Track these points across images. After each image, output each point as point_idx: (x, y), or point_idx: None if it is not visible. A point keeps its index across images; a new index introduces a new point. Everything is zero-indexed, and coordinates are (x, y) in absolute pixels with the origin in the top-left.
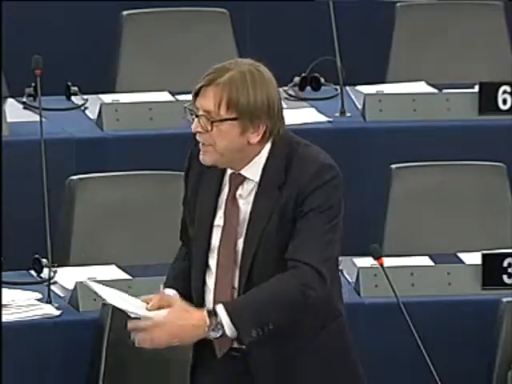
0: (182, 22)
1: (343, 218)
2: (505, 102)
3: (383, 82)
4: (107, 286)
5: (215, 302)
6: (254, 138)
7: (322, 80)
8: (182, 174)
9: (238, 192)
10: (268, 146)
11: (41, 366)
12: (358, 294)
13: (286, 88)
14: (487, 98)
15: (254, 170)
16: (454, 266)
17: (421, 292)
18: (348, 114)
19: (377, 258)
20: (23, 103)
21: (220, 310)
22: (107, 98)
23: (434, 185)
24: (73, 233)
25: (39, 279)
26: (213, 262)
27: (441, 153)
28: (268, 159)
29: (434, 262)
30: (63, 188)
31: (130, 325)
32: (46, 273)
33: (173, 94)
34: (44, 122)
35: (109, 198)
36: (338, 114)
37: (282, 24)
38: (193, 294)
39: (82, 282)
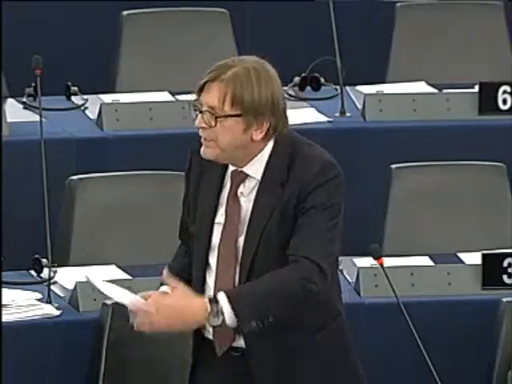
0: (182, 22)
1: (343, 218)
2: (505, 102)
3: (383, 82)
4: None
5: None
6: (258, 135)
7: (322, 80)
8: (182, 173)
9: (240, 190)
10: (271, 144)
11: (41, 366)
12: (358, 294)
13: (285, 88)
14: (487, 98)
15: (256, 168)
16: (453, 266)
17: (421, 292)
18: (348, 114)
19: (377, 257)
20: (23, 103)
21: (221, 297)
22: (107, 97)
23: (434, 185)
24: (73, 233)
25: (39, 279)
26: (213, 259)
27: (441, 153)
28: (271, 157)
29: (434, 262)
30: (63, 188)
31: (131, 306)
32: (46, 273)
33: (173, 94)
34: (44, 122)
35: (109, 198)
36: (337, 114)
37: (282, 24)
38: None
39: (82, 282)
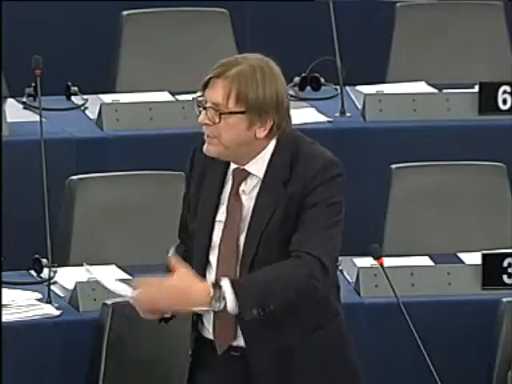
0: (182, 22)
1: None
2: (505, 102)
3: (383, 82)
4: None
5: None
6: (261, 133)
7: (322, 80)
8: (182, 173)
9: (241, 188)
10: (274, 142)
11: (41, 366)
12: (358, 294)
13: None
14: (487, 98)
15: (258, 166)
16: (453, 266)
17: (421, 292)
18: (348, 114)
19: (377, 257)
20: (23, 103)
21: (225, 283)
22: (107, 97)
23: (434, 185)
24: (73, 233)
25: (39, 279)
26: (213, 257)
27: (441, 153)
28: (273, 155)
29: (434, 262)
30: (63, 188)
31: (134, 283)
32: (46, 273)
33: (173, 94)
34: (44, 122)
35: (109, 198)
36: (338, 114)
37: (282, 24)
38: None
39: (82, 282)
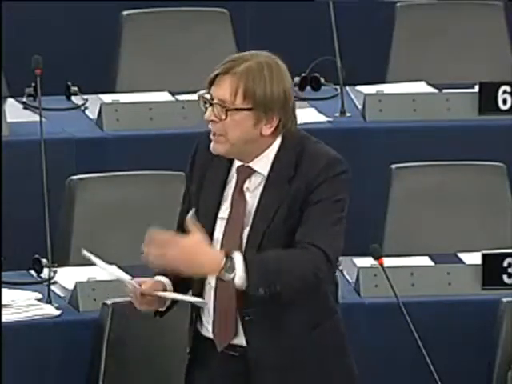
0: (182, 22)
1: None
2: (505, 102)
3: (383, 82)
4: (106, 281)
5: (216, 298)
6: (267, 130)
7: (322, 80)
8: (182, 173)
9: (246, 185)
10: (279, 140)
11: (41, 366)
12: (358, 294)
13: None
14: (487, 98)
15: (263, 163)
16: (453, 266)
17: (421, 292)
18: (348, 114)
19: (377, 257)
20: (23, 103)
21: (237, 256)
22: (107, 97)
23: (434, 185)
24: (73, 233)
25: (39, 279)
26: None
27: (441, 153)
28: (278, 153)
29: (434, 262)
30: (63, 188)
31: (148, 237)
32: (46, 273)
33: (173, 94)
34: (44, 122)
35: (109, 198)
36: (338, 114)
37: (282, 24)
38: (192, 289)
39: (82, 282)
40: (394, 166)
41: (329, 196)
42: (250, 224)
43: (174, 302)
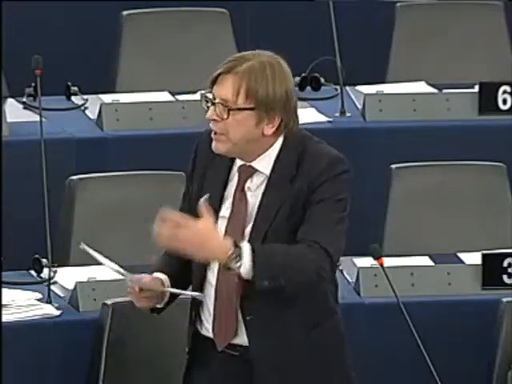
0: (182, 22)
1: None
2: (505, 102)
3: (383, 82)
4: (106, 281)
5: (217, 297)
6: (269, 130)
7: (322, 80)
8: (182, 173)
9: (247, 184)
10: (281, 140)
11: (41, 366)
12: (358, 294)
13: None
14: (487, 98)
15: (265, 163)
16: (453, 266)
17: (421, 292)
18: (348, 114)
19: (377, 257)
20: (23, 103)
21: (245, 246)
22: (107, 97)
23: (434, 185)
24: (73, 233)
25: (39, 279)
26: None
27: (441, 153)
28: (280, 153)
29: (434, 262)
30: (63, 188)
31: (161, 217)
32: (46, 273)
33: (173, 94)
34: (44, 122)
35: (109, 198)
36: (338, 114)
37: (282, 24)
38: (192, 287)
39: (82, 282)
40: (394, 166)
41: (331, 195)
42: (251, 223)
43: (171, 299)
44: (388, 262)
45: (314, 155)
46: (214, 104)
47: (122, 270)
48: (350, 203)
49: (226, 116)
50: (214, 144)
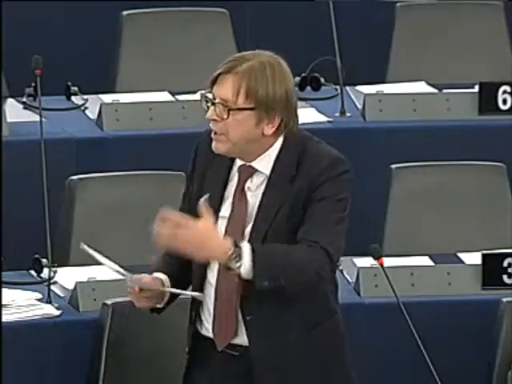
0: (182, 22)
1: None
2: (505, 102)
3: (383, 82)
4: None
5: (217, 296)
6: (269, 130)
7: (322, 80)
8: (182, 173)
9: (247, 184)
10: (281, 140)
11: (41, 366)
12: (358, 294)
13: None
14: (487, 98)
15: (265, 163)
16: (453, 266)
17: (421, 292)
18: (348, 114)
19: (377, 257)
20: (23, 103)
21: (245, 246)
22: (107, 97)
23: (434, 185)
24: (73, 233)
25: (39, 279)
26: None
27: (441, 153)
28: (280, 153)
29: (434, 262)
30: (63, 188)
31: (161, 216)
32: (46, 273)
33: (173, 94)
34: (44, 122)
35: (109, 198)
36: (338, 114)
37: (282, 24)
38: (192, 288)
39: (82, 282)
40: (394, 166)
41: (331, 195)
42: (251, 223)
43: (171, 299)
44: (388, 261)
45: (314, 155)
46: (214, 104)
47: (122, 270)
48: (350, 202)
49: (225, 116)
50: (214, 144)
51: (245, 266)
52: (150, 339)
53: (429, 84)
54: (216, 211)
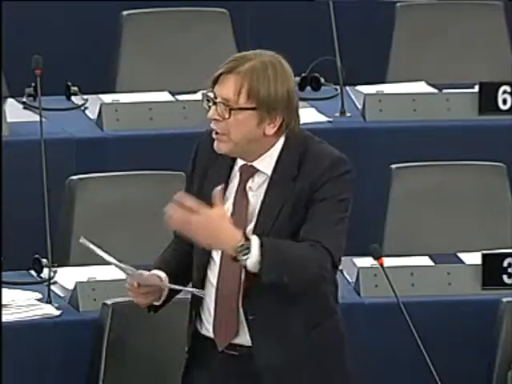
0: (182, 22)
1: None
2: (505, 102)
3: (383, 82)
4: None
5: (218, 296)
6: (270, 130)
7: (322, 80)
8: (182, 173)
9: (249, 184)
10: (282, 140)
11: (41, 366)
12: (358, 294)
13: None
14: (487, 98)
15: (266, 163)
16: (453, 266)
17: (421, 292)
18: (348, 114)
19: (377, 257)
20: (23, 103)
21: (254, 238)
22: (107, 97)
23: (434, 185)
24: (73, 233)
25: (39, 279)
26: (217, 254)
27: (441, 153)
28: (282, 153)
29: (434, 262)
30: (63, 188)
31: (176, 199)
32: (46, 273)
33: (173, 94)
34: (44, 122)
35: (109, 198)
36: (338, 114)
37: (282, 24)
38: (192, 287)
39: (82, 282)
40: (394, 166)
41: (333, 195)
42: (253, 222)
43: (168, 298)
44: (388, 262)
45: (316, 155)
46: (215, 103)
47: (121, 265)
48: (351, 203)
49: (227, 116)
50: (215, 144)
51: (252, 259)
52: (150, 339)
53: (429, 84)
54: None
